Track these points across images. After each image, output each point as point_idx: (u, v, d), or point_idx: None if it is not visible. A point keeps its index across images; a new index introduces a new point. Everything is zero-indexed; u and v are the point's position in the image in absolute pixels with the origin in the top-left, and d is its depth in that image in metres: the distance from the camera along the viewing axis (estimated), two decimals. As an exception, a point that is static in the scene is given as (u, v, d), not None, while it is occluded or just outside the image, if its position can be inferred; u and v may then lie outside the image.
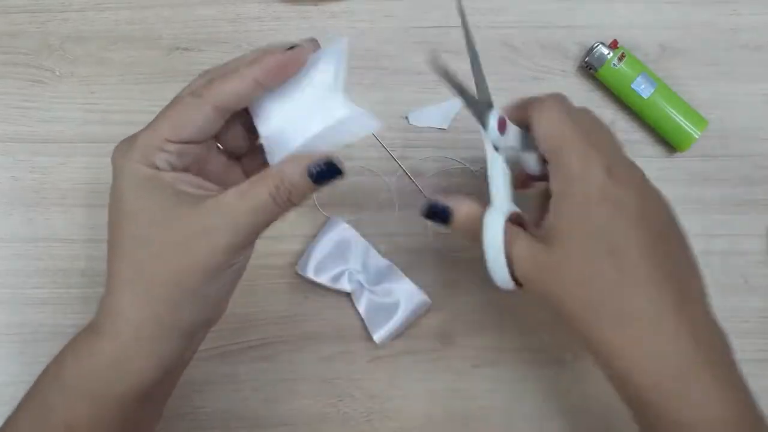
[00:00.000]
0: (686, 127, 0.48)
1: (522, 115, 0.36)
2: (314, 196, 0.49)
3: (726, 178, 0.49)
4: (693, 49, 0.51)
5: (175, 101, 0.32)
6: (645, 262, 0.31)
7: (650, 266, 0.31)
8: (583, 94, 0.51)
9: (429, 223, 0.48)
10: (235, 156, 0.36)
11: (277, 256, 0.48)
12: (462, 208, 0.36)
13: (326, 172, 0.32)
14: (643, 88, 0.48)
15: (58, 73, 0.51)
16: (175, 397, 0.47)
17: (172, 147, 0.31)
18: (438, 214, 0.36)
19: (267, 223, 0.32)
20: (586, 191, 0.32)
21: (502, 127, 0.36)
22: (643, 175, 0.35)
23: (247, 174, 0.36)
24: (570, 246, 0.32)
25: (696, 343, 0.32)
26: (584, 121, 0.35)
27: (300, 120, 0.33)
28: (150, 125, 0.32)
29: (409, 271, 0.47)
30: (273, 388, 0.47)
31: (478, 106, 0.36)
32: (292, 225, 0.49)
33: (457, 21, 0.52)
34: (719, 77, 0.51)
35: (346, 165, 0.49)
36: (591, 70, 0.49)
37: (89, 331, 0.33)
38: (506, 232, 0.34)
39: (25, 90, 0.51)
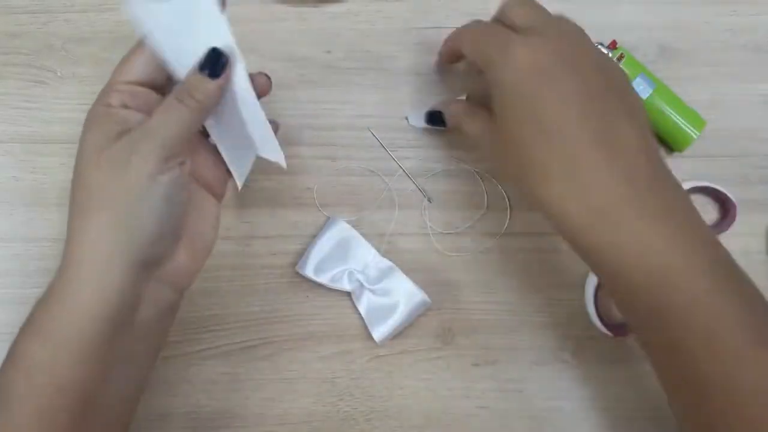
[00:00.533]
0: (685, 128, 0.48)
1: (454, 53, 0.43)
2: (314, 195, 0.49)
3: (725, 178, 0.49)
4: (693, 49, 0.51)
5: (134, 48, 0.37)
6: (565, 119, 0.35)
7: (569, 123, 0.34)
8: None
9: (429, 223, 0.48)
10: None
11: (277, 255, 0.48)
12: (449, 108, 0.45)
13: (212, 60, 0.35)
14: (642, 89, 0.48)
15: (59, 74, 0.51)
16: (175, 396, 0.47)
17: (123, 87, 0.35)
18: (435, 117, 0.46)
19: (177, 124, 0.35)
20: (504, 77, 0.36)
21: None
22: (559, 28, 0.38)
23: None
24: (503, 121, 0.37)
25: (628, 183, 0.34)
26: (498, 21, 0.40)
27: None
28: (114, 70, 0.37)
29: (409, 271, 0.47)
30: (273, 388, 0.47)
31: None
32: (292, 225, 0.49)
33: (458, 21, 0.53)
34: (719, 77, 0.51)
35: (347, 165, 0.49)
36: None
37: (56, 272, 0.35)
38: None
39: (26, 90, 0.51)
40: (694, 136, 0.48)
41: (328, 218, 0.48)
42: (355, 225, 0.48)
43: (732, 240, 0.49)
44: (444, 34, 0.51)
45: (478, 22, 0.41)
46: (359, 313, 0.47)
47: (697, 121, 0.48)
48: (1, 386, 0.33)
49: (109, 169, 0.33)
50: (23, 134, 0.50)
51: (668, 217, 0.34)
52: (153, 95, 0.37)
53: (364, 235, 0.48)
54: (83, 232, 0.34)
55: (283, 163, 0.41)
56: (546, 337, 0.48)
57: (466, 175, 0.50)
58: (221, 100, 0.36)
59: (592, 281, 0.47)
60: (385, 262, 0.47)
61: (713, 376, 0.32)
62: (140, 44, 0.36)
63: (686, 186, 0.48)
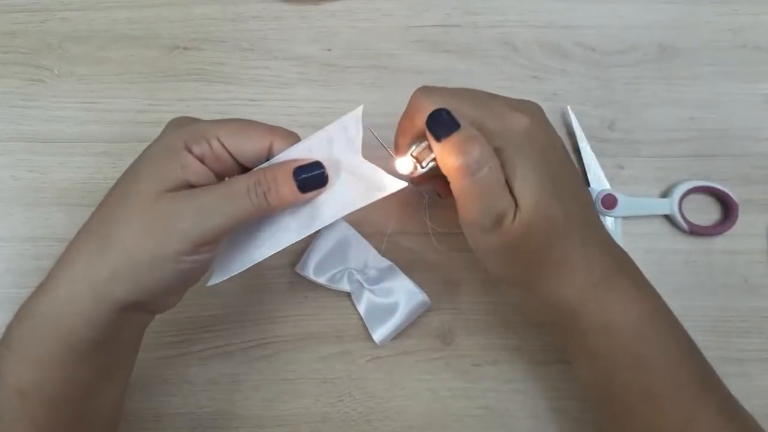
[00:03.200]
0: None
1: (413, 129, 0.37)
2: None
3: (726, 178, 0.49)
4: (693, 48, 0.51)
5: (251, 121, 0.34)
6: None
7: (553, 200, 0.34)
8: (583, 93, 0.50)
9: (429, 223, 0.48)
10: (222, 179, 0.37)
11: (277, 256, 0.48)
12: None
13: (311, 176, 0.33)
14: None
15: (57, 73, 0.51)
16: (175, 396, 0.47)
17: (216, 146, 0.33)
18: (444, 122, 0.34)
19: (237, 218, 0.32)
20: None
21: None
22: (530, 121, 0.36)
23: None
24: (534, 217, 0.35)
25: (604, 255, 0.36)
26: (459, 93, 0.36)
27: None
28: (218, 120, 0.34)
29: (409, 271, 0.47)
30: (273, 388, 0.47)
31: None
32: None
33: (458, 21, 0.52)
34: (719, 77, 0.51)
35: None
36: None
37: (36, 291, 0.34)
38: None
39: (24, 89, 0.51)
40: None
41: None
42: (355, 225, 0.48)
43: (732, 240, 0.49)
44: (444, 33, 0.51)
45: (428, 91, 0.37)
46: (359, 314, 0.47)
47: None
48: None
49: (145, 227, 0.32)
50: (21, 133, 0.50)
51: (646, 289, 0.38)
52: (235, 168, 0.35)
53: (364, 235, 0.47)
54: (87, 263, 0.32)
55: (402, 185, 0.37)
56: (546, 337, 0.48)
57: (467, 174, 0.49)
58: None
59: None
60: (385, 262, 0.47)
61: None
62: (264, 124, 0.34)
63: (687, 186, 0.48)
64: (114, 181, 0.48)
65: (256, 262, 0.36)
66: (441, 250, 0.48)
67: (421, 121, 0.34)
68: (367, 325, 0.47)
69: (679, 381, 0.35)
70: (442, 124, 0.33)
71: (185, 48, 0.51)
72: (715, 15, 0.52)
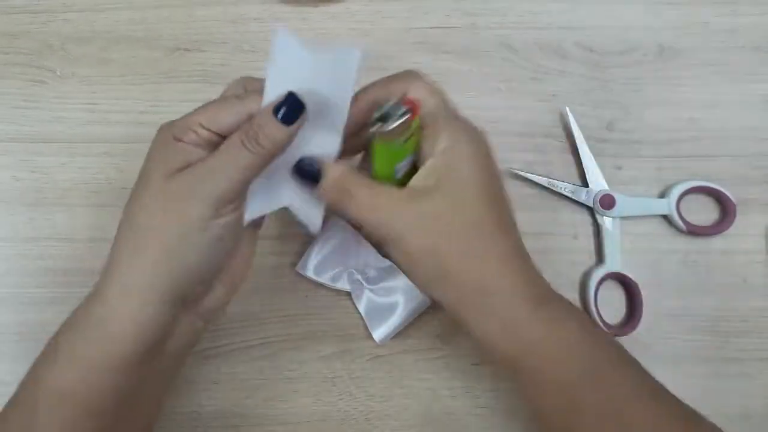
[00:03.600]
0: None
1: (387, 91, 0.36)
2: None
3: (725, 178, 0.49)
4: (692, 49, 0.51)
5: (220, 98, 0.36)
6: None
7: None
8: (582, 94, 0.51)
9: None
10: None
11: (277, 255, 0.49)
12: (334, 171, 0.36)
13: (290, 105, 0.33)
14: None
15: (59, 74, 0.51)
16: (175, 395, 0.47)
17: (203, 132, 0.34)
18: (307, 172, 0.36)
19: (239, 169, 0.33)
20: (465, 160, 0.35)
21: None
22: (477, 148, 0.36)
23: None
24: (444, 198, 0.35)
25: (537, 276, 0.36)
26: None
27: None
28: (195, 110, 0.35)
29: (409, 271, 0.47)
30: (273, 388, 0.47)
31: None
32: (292, 225, 0.49)
33: (457, 23, 0.53)
34: (718, 77, 0.51)
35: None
36: None
37: (88, 296, 0.34)
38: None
39: (26, 90, 0.51)
40: None
41: (329, 218, 0.48)
42: (355, 225, 0.48)
43: (731, 240, 0.49)
44: (444, 34, 0.52)
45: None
46: (359, 313, 0.47)
47: None
48: (27, 409, 0.33)
49: (164, 207, 0.33)
50: (23, 134, 0.50)
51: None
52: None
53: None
54: (128, 264, 0.33)
55: (314, 229, 0.39)
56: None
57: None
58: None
59: (592, 281, 0.47)
60: (385, 262, 0.47)
61: None
62: (233, 97, 0.35)
63: (686, 186, 0.48)
64: (116, 182, 0.49)
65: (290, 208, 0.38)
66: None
67: (397, 91, 0.35)
68: (368, 325, 0.47)
69: (636, 390, 0.34)
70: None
71: (187, 49, 0.52)
72: (714, 15, 0.52)
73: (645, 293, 0.48)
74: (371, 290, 0.47)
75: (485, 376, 0.47)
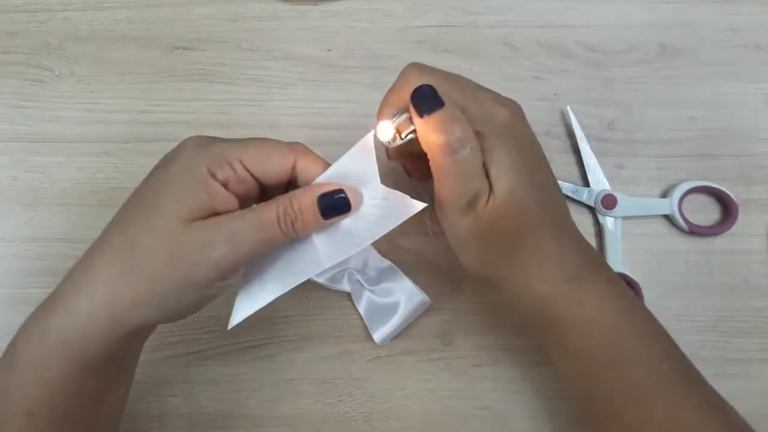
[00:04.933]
0: None
1: (399, 101, 0.36)
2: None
3: (726, 178, 0.49)
4: (694, 48, 0.51)
5: (270, 140, 0.34)
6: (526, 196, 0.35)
7: (531, 200, 0.35)
8: (583, 93, 0.50)
9: (429, 223, 0.48)
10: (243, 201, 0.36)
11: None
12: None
13: (335, 202, 0.33)
14: None
15: (57, 73, 0.51)
16: (175, 396, 0.47)
17: (240, 170, 0.33)
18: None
19: (266, 245, 0.33)
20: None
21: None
22: (509, 113, 0.36)
23: None
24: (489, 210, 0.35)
25: (576, 251, 0.36)
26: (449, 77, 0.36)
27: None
28: (238, 141, 0.33)
29: (409, 271, 0.47)
30: (273, 388, 0.47)
31: None
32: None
33: (458, 21, 0.52)
34: (719, 77, 0.51)
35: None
36: None
37: (43, 309, 0.33)
38: None
39: (24, 89, 0.51)
40: None
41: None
42: (355, 225, 0.48)
43: (732, 240, 0.49)
44: (444, 33, 0.51)
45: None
46: (359, 314, 0.47)
47: None
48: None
49: (172, 257, 0.31)
50: (21, 133, 0.50)
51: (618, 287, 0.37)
52: (256, 189, 0.34)
53: (364, 235, 0.47)
54: (109, 288, 0.32)
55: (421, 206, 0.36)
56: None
57: (467, 174, 0.49)
58: None
59: None
60: (385, 262, 0.47)
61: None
62: (282, 144, 0.34)
63: (687, 186, 0.48)
64: (115, 181, 0.49)
65: (282, 293, 0.36)
66: (441, 250, 0.48)
67: (407, 94, 0.34)
68: (368, 325, 0.47)
69: (661, 377, 0.35)
70: (426, 100, 0.33)
71: (186, 48, 0.51)
72: (715, 15, 0.52)
73: (646, 293, 0.47)
74: (371, 291, 0.46)
75: (485, 377, 0.47)
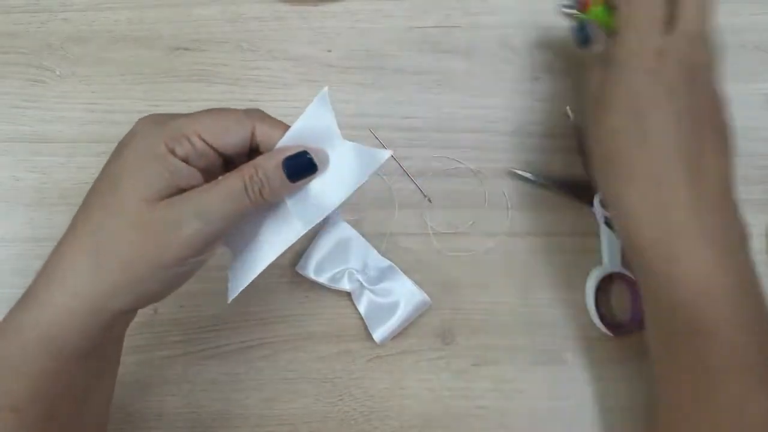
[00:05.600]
0: None
1: None
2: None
3: (726, 178, 0.49)
4: (693, 49, 0.51)
5: (226, 110, 0.34)
6: (665, 131, 0.35)
7: (669, 136, 0.35)
8: (583, 93, 0.50)
9: (429, 223, 0.48)
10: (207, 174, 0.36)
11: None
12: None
13: (300, 164, 0.33)
14: None
15: (58, 73, 0.51)
16: (175, 396, 0.47)
17: (199, 144, 0.32)
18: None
19: (237, 216, 0.32)
20: (633, 64, 0.36)
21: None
22: (692, 68, 0.36)
23: None
24: (608, 101, 0.37)
25: (695, 211, 0.35)
26: None
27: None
28: (192, 114, 0.33)
29: (409, 271, 0.47)
30: (273, 388, 0.47)
31: None
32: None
33: (458, 22, 0.53)
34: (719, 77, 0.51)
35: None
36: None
37: (23, 299, 0.33)
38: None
39: (25, 90, 0.51)
40: None
41: (328, 218, 0.48)
42: (355, 225, 0.48)
43: (732, 240, 0.49)
44: (444, 34, 0.52)
45: None
46: (359, 313, 0.47)
47: None
48: None
49: (143, 238, 0.31)
50: (23, 134, 0.50)
51: (728, 255, 0.35)
52: (219, 160, 0.34)
53: (364, 235, 0.47)
54: (84, 277, 0.31)
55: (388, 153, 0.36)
56: (546, 337, 0.48)
57: (466, 174, 0.50)
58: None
59: (592, 281, 0.47)
60: (385, 262, 0.47)
61: (722, 408, 0.34)
62: (239, 112, 0.33)
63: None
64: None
65: (269, 263, 0.36)
66: (441, 250, 0.49)
67: None
68: (368, 325, 0.47)
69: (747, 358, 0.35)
70: None
71: (186, 49, 0.51)
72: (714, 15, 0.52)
73: (646, 293, 0.47)
74: (371, 291, 0.46)
75: (485, 376, 0.47)
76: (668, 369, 0.38)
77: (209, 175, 0.34)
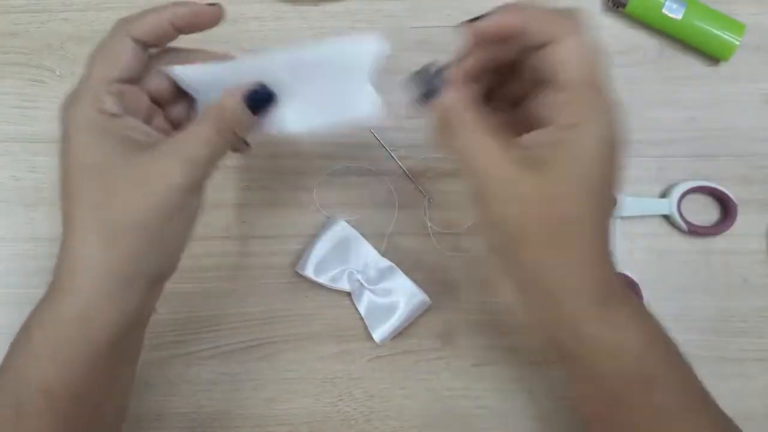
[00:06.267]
0: (726, 37, 0.49)
1: (527, 26, 0.32)
2: (314, 196, 0.49)
3: (726, 178, 0.49)
4: (692, 48, 0.51)
5: (100, 44, 0.34)
6: (592, 230, 0.32)
7: (593, 235, 0.32)
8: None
9: (429, 223, 0.48)
10: (158, 103, 0.37)
11: (277, 256, 0.48)
12: (449, 97, 0.34)
13: (259, 96, 0.34)
14: (675, 8, 0.49)
15: (58, 73, 0.51)
16: (175, 396, 0.47)
17: (114, 87, 0.33)
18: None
19: (217, 158, 0.34)
20: (592, 146, 0.30)
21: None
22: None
23: (171, 122, 0.38)
24: (555, 181, 0.31)
25: (609, 288, 0.33)
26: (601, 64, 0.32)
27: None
28: (87, 72, 0.34)
29: (409, 271, 0.47)
30: (273, 388, 0.47)
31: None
32: (292, 225, 0.49)
33: (458, 21, 0.52)
34: (719, 77, 0.51)
35: (346, 165, 0.49)
36: (619, 8, 0.50)
37: (50, 293, 0.33)
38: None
39: (25, 90, 0.51)
40: (737, 43, 0.49)
41: (328, 218, 0.48)
42: (355, 225, 0.48)
43: (732, 240, 0.49)
44: (444, 34, 0.51)
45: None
46: (359, 313, 0.47)
47: (736, 28, 0.49)
48: (11, 409, 0.33)
49: (142, 192, 0.32)
50: (23, 134, 0.50)
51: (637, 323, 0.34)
52: (143, 97, 0.35)
53: (364, 235, 0.47)
54: (102, 256, 0.32)
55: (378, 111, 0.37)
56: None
57: (467, 174, 0.50)
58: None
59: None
60: (385, 262, 0.47)
61: None
62: (120, 29, 0.34)
63: (687, 186, 0.48)
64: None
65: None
66: (441, 250, 0.49)
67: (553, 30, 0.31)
68: (368, 325, 0.47)
69: (688, 401, 0.34)
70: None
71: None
72: (714, 15, 0.52)
73: (646, 293, 0.48)
74: (371, 291, 0.47)
75: (485, 376, 0.47)
76: None
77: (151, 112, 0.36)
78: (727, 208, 0.49)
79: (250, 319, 0.48)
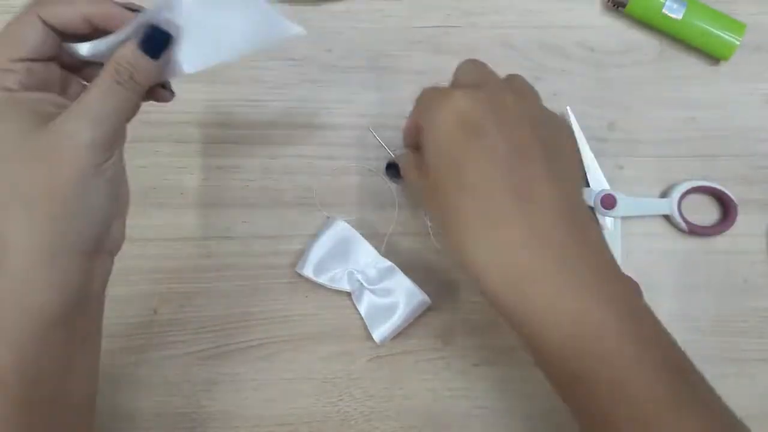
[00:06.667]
0: (726, 37, 0.49)
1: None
2: (314, 195, 0.49)
3: (726, 178, 0.49)
4: (692, 48, 0.51)
5: (8, 23, 0.33)
6: (486, 175, 0.34)
7: (493, 181, 0.34)
8: (583, 93, 0.50)
9: (429, 223, 0.48)
10: (72, 69, 0.36)
11: (277, 256, 0.48)
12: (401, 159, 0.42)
13: (155, 38, 0.33)
14: (675, 8, 0.49)
15: (58, 73, 0.51)
16: (175, 396, 0.47)
17: (18, 66, 0.32)
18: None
19: (121, 110, 0.33)
20: (432, 126, 0.36)
21: None
22: (502, 84, 0.37)
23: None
24: (431, 172, 0.36)
25: (543, 247, 0.33)
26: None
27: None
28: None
29: (409, 271, 0.47)
30: (273, 388, 0.47)
31: None
32: (292, 225, 0.49)
33: (458, 22, 0.53)
34: (719, 77, 0.51)
35: (347, 165, 0.49)
36: (619, 8, 0.50)
37: None
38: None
39: (25, 90, 0.51)
40: (737, 43, 0.49)
41: (328, 218, 0.48)
42: (355, 225, 0.48)
43: (732, 240, 0.49)
44: (444, 34, 0.52)
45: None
46: (359, 313, 0.47)
47: (736, 28, 0.49)
48: None
49: (48, 164, 0.31)
50: (22, 134, 0.50)
51: (583, 286, 0.33)
52: (55, 69, 0.34)
53: (364, 235, 0.47)
54: (23, 232, 0.31)
55: (299, 31, 0.36)
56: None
57: (467, 174, 0.49)
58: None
59: None
60: (385, 262, 0.47)
61: None
62: (28, 11, 0.32)
63: (688, 186, 0.48)
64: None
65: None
66: (441, 250, 0.49)
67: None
68: (368, 325, 0.47)
69: (666, 398, 0.33)
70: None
71: (186, 49, 0.51)
72: (715, 15, 0.52)
73: (645, 293, 0.47)
74: (371, 291, 0.46)
75: (485, 376, 0.47)
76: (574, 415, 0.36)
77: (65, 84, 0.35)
78: (727, 208, 0.49)
79: (250, 319, 0.48)
